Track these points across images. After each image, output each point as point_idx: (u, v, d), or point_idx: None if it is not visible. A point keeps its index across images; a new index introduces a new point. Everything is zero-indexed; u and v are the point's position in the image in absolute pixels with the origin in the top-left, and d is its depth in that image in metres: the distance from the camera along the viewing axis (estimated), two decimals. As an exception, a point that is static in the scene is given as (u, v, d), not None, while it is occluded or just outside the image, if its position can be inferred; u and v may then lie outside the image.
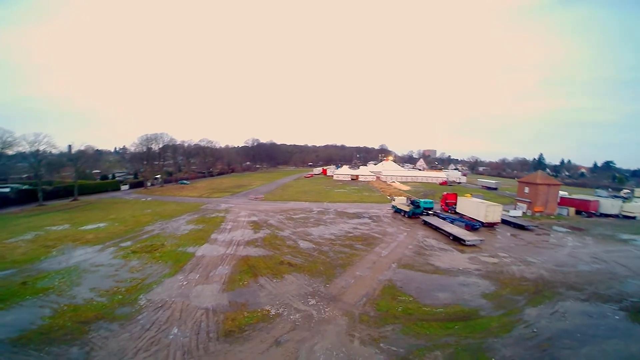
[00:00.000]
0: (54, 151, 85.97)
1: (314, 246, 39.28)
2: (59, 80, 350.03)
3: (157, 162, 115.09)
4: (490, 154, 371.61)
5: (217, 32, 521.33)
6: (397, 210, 63.37)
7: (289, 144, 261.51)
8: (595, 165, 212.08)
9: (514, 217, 59.43)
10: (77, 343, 19.20)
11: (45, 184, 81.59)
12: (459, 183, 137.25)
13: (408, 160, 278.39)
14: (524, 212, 66.87)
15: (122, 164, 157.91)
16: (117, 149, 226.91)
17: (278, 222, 53.02)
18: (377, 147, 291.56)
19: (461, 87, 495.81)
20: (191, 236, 44.35)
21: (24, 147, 77.15)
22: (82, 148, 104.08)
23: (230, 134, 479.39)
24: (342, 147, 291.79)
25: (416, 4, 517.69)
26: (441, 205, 69.13)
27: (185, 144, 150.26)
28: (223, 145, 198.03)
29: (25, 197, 72.51)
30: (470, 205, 58.40)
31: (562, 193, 77.31)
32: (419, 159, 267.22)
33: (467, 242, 41.21)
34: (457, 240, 42.48)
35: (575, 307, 24.27)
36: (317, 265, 32.46)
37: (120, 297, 25.73)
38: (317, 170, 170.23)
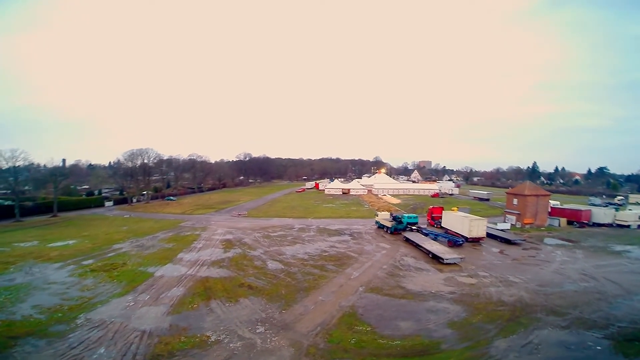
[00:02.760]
0: (46, 165, 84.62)
1: (282, 267, 37.13)
2: (53, 91, 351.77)
3: (142, 178, 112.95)
4: (486, 163, 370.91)
5: (206, 44, 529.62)
6: (380, 226, 61.33)
7: (283, 157, 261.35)
8: (589, 171, 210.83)
9: (501, 230, 57.43)
10: None
11: (28, 199, 79.77)
12: (451, 195, 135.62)
13: (403, 172, 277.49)
14: (513, 224, 65.04)
15: (114, 179, 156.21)
16: (111, 163, 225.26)
17: (253, 240, 50.91)
18: (372, 159, 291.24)
19: (455, 95, 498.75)
20: (157, 255, 42.46)
21: (1, 163, 75.24)
22: (72, 162, 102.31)
23: (222, 149, 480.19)
24: (337, 160, 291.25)
25: (405, 10, 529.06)
26: (427, 220, 67.23)
27: (174, 159, 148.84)
28: (215, 160, 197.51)
29: (3, 213, 70.51)
30: (454, 220, 56.54)
31: (553, 203, 75.61)
32: (413, 170, 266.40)
33: (445, 261, 39.11)
34: (436, 258, 40.37)
35: (553, 337, 21.96)
36: (279, 288, 30.28)
37: (60, 315, 24.62)
38: (310, 184, 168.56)
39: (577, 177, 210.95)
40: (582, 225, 66.63)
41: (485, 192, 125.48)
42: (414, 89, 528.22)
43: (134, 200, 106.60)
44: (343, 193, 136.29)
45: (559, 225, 66.17)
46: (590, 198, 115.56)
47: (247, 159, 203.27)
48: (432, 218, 65.56)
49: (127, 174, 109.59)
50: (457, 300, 28.05)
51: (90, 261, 39.46)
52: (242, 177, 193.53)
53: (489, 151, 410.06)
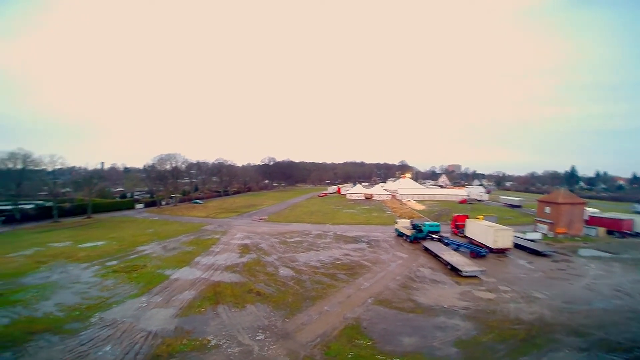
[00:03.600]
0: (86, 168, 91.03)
1: (293, 274, 37.14)
2: (92, 100, 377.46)
3: (171, 181, 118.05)
4: (519, 167, 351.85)
5: (232, 52, 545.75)
6: (400, 234, 59.77)
7: (307, 161, 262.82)
8: (634, 176, 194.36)
9: (530, 240, 53.99)
10: (13, 349, 20.37)
11: (66, 201, 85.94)
12: (480, 201, 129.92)
13: (430, 176, 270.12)
14: (544, 234, 61.08)
15: (145, 182, 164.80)
16: (145, 167, 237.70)
17: (269, 246, 51.43)
18: (397, 163, 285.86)
19: (486, 96, 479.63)
20: (176, 258, 43.99)
21: (45, 167, 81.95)
22: (110, 166, 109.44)
23: (248, 153, 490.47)
24: (362, 164, 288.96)
25: (425, 11, 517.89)
26: (451, 229, 64.76)
27: (202, 163, 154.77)
28: (242, 164, 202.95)
29: (43, 214, 76.28)
30: (478, 229, 53.98)
31: (591, 211, 70.52)
32: (441, 174, 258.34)
33: (464, 273, 37.32)
34: (455, 270, 38.61)
35: (568, 361, 20.25)
36: (286, 296, 30.30)
37: (77, 313, 26.26)
38: (332, 188, 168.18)
39: (621, 182, 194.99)
40: (623, 235, 61.36)
41: (518, 199, 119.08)
42: (443, 91, 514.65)
43: (163, 203, 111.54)
44: (366, 198, 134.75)
45: (597, 235, 61.41)
46: (635, 205, 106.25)
47: (272, 163, 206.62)
48: (456, 227, 63.05)
49: (157, 178, 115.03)
50: (470, 316, 26.62)
51: (114, 262, 41.64)
52: (266, 181, 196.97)
53: (523, 154, 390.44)
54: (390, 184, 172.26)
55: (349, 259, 44.55)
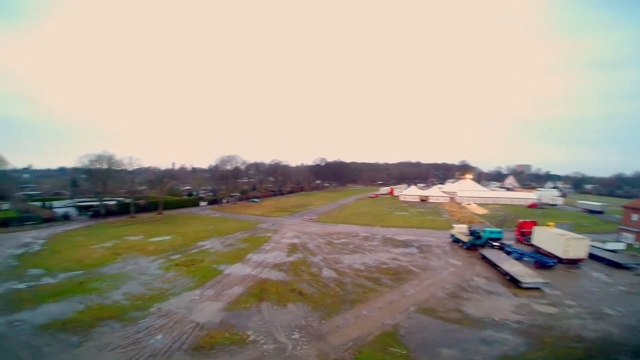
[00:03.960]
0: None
1: (336, 276, 37.55)
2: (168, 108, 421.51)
3: (232, 181, 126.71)
4: (603, 168, 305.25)
5: (285, 51, 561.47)
6: (456, 240, 56.47)
7: (359, 161, 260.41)
8: None
9: (610, 251, 46.99)
10: (80, 334, 23.41)
11: (142, 198, 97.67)
12: (554, 205, 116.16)
13: (495, 177, 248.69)
14: (629, 245, 52.79)
15: (209, 181, 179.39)
16: (209, 167, 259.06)
17: (316, 246, 52.48)
18: (457, 163, 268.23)
19: (561, 87, 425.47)
20: (231, 254, 47.08)
21: (125, 167, 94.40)
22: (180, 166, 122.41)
23: (300, 154, 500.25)
24: (417, 164, 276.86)
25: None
26: (516, 235, 59.38)
27: (260, 164, 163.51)
28: (296, 165, 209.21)
29: (122, 210, 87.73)
30: (546, 237, 48.78)
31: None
32: (508, 175, 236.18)
33: (524, 285, 34.07)
34: (514, 281, 35.45)
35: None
36: (326, 297, 30.86)
37: (140, 302, 29.39)
38: (385, 189, 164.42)
39: None
40: None
41: (599, 204, 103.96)
42: (510, 82, 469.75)
43: (224, 201, 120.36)
44: (421, 200, 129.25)
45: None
46: None
47: (323, 163, 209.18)
48: (522, 234, 57.67)
49: (220, 177, 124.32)
50: (523, 331, 24.41)
51: (177, 256, 46.14)
52: (318, 181, 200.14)
53: (608, 153, 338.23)
54: (449, 186, 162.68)
55: (396, 263, 43.51)
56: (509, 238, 56.41)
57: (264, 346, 21.71)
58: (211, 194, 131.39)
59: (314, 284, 34.68)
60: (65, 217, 78.14)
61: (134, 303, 29.14)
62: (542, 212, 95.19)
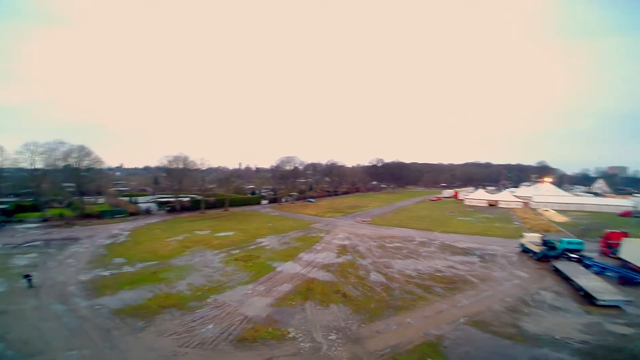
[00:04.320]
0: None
1: (384, 280, 36.67)
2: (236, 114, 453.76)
3: (291, 180, 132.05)
4: None
5: (341, 52, 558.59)
6: (525, 250, 50.97)
7: (420, 162, 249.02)
8: None
9: None
10: (145, 319, 26.45)
11: (211, 196, 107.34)
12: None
13: (580, 181, 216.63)
14: None
15: (270, 181, 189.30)
16: (271, 167, 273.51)
17: (367, 249, 51.83)
18: (534, 163, 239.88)
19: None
20: (284, 252, 49.12)
21: (198, 167, 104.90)
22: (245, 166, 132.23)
23: (356, 154, 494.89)
24: (487, 165, 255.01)
25: None
26: (600, 247, 51.51)
27: (317, 164, 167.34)
28: (352, 165, 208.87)
29: (194, 206, 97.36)
30: (638, 249, 41.44)
31: None
32: (596, 179, 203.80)
33: (599, 302, 29.57)
34: (589, 298, 30.98)
35: None
36: (370, 301, 30.43)
37: (199, 293, 32.32)
38: (448, 192, 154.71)
39: None
40: None
41: None
42: (598, 70, 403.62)
43: (283, 200, 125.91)
44: (489, 205, 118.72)
45: None
46: None
47: (380, 164, 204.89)
48: (608, 245, 49.90)
49: (280, 177, 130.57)
50: (585, 352, 21.50)
51: (236, 251, 49.69)
52: (374, 182, 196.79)
53: None
54: (523, 189, 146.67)
55: (452, 271, 40.86)
56: (591, 250, 49.06)
57: (301, 344, 22.46)
58: (272, 193, 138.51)
59: (360, 287, 34.42)
60: (147, 212, 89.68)
61: (194, 293, 32.16)
62: (637, 221, 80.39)
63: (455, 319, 27.24)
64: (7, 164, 78.01)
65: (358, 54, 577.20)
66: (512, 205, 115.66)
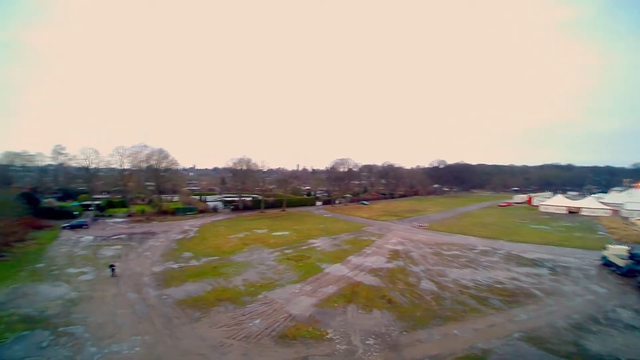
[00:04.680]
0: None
1: (435, 289, 34.89)
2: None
3: (346, 182, 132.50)
4: None
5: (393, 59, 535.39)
6: (607, 263, 44.44)
7: (488, 164, 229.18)
8: None
9: None
10: (202, 310, 28.98)
11: (271, 196, 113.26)
12: None
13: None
14: None
15: (325, 182, 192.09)
16: (326, 168, 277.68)
17: (420, 255, 49.64)
18: (629, 165, 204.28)
19: None
20: (333, 254, 49.70)
21: (259, 168, 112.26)
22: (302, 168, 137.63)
23: (415, 156, 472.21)
24: (569, 168, 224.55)
25: None
26: None
27: (373, 166, 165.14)
28: (411, 167, 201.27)
29: (255, 205, 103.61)
30: None
31: None
32: None
33: None
34: None
35: None
36: (417, 309, 29.30)
37: (252, 289, 34.44)
38: (521, 197, 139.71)
39: None
40: None
41: None
42: None
43: (337, 201, 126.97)
44: (569, 212, 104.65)
45: None
46: None
47: (442, 166, 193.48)
48: None
49: (335, 179, 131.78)
50: None
51: (289, 251, 51.70)
52: (435, 185, 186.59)
53: None
54: (613, 195, 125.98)
55: (514, 284, 37.24)
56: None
57: (337, 345, 22.76)
58: (326, 194, 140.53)
59: (408, 294, 33.32)
60: (214, 210, 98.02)
61: (248, 289, 34.42)
62: None
63: (508, 333, 25.12)
64: (101, 165, 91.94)
65: (419, 49, 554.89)
66: (598, 213, 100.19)
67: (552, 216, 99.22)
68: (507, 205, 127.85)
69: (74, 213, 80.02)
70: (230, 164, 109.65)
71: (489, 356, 21.80)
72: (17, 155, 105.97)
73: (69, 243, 54.70)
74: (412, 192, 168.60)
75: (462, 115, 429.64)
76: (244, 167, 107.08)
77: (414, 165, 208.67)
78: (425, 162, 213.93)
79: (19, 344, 23.15)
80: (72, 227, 66.22)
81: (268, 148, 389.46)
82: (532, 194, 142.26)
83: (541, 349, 22.77)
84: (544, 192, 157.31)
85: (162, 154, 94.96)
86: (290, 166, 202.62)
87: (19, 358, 21.58)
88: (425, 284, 36.53)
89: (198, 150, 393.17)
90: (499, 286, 36.32)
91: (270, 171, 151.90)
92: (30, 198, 76.77)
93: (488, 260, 47.66)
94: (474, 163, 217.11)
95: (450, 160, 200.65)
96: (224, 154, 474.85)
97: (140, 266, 43.01)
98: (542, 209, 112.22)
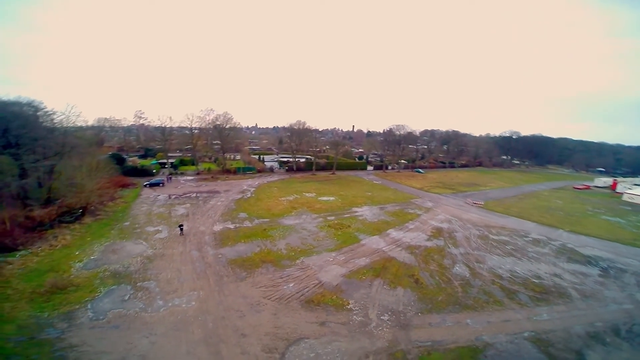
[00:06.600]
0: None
1: (467, 275, 35.37)
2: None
3: (402, 146, 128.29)
4: None
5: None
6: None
7: (574, 138, 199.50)
8: None
9: None
10: (249, 270, 33.32)
11: (323, 158, 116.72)
12: None
13: None
14: None
15: (380, 145, 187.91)
16: (384, 130, 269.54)
17: (464, 237, 48.86)
18: None
19: None
20: (373, 226, 51.24)
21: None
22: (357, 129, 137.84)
23: (485, 124, 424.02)
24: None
25: None
26: None
27: (436, 131, 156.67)
28: (479, 134, 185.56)
29: (308, 167, 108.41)
30: None
31: None
32: None
33: None
34: None
35: None
36: (440, 293, 30.72)
37: (292, 254, 38.24)
38: (603, 180, 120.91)
39: None
40: None
41: None
42: None
43: (389, 167, 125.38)
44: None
45: None
46: None
47: (515, 136, 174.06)
48: None
49: (392, 142, 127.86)
50: None
51: (332, 217, 54.43)
52: (504, 157, 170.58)
53: None
54: None
55: (553, 281, 35.81)
56: None
57: (354, 316, 25.73)
58: (378, 159, 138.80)
59: (437, 276, 34.57)
60: (271, 170, 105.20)
61: (289, 253, 38.24)
62: None
63: (518, 331, 25.69)
64: (175, 127, 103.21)
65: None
66: None
67: (636, 208, 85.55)
68: (585, 188, 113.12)
69: (153, 171, 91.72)
70: (288, 124, 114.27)
71: (487, 350, 22.94)
72: (106, 119, 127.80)
73: (148, 201, 60.56)
74: (475, 162, 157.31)
75: (543, 83, 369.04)
76: (301, 127, 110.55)
77: (483, 133, 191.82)
78: (496, 131, 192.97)
79: (107, 297, 27.01)
80: (151, 185, 75.55)
81: (327, 107, 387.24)
82: (619, 178, 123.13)
83: (542, 353, 23.14)
84: (637, 177, 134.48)
85: (227, 116, 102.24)
86: (346, 127, 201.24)
87: (107, 310, 25.21)
88: (459, 268, 37.07)
89: (261, 108, 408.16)
90: (535, 281, 35.40)
91: (326, 131, 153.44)
92: (118, 158, 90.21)
93: (536, 251, 45.28)
94: (554, 136, 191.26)
95: (525, 132, 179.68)
96: (284, 113, 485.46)
97: (203, 225, 47.26)
98: (626, 197, 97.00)
